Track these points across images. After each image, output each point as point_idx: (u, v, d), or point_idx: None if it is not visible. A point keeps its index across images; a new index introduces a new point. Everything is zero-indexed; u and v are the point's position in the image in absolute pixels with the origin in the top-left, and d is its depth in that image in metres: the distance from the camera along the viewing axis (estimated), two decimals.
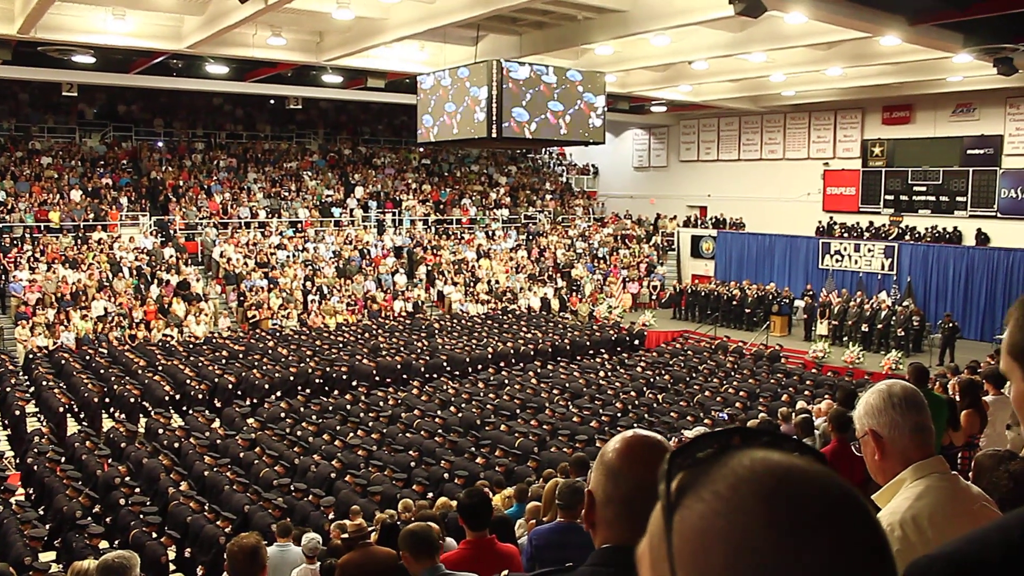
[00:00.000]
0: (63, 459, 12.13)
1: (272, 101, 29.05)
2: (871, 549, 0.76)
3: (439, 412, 14.72)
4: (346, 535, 6.49)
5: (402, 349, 19.51)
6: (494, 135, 17.05)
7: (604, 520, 1.51)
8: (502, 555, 4.50)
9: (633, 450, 1.52)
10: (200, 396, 16.01)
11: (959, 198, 24.50)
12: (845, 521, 0.74)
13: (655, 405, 15.28)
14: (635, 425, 13.30)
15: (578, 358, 20.14)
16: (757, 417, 11.98)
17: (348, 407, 15.33)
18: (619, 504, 1.48)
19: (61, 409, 14.68)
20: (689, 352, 20.47)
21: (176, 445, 12.99)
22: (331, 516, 9.57)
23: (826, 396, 13.67)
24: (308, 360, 18.17)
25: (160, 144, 28.72)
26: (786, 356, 19.96)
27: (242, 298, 22.63)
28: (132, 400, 15.32)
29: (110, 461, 11.92)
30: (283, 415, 14.75)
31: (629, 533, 1.48)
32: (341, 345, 19.85)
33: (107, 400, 15.88)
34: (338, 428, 13.75)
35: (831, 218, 27.21)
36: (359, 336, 20.88)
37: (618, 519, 1.48)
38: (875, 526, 0.77)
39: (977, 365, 11.81)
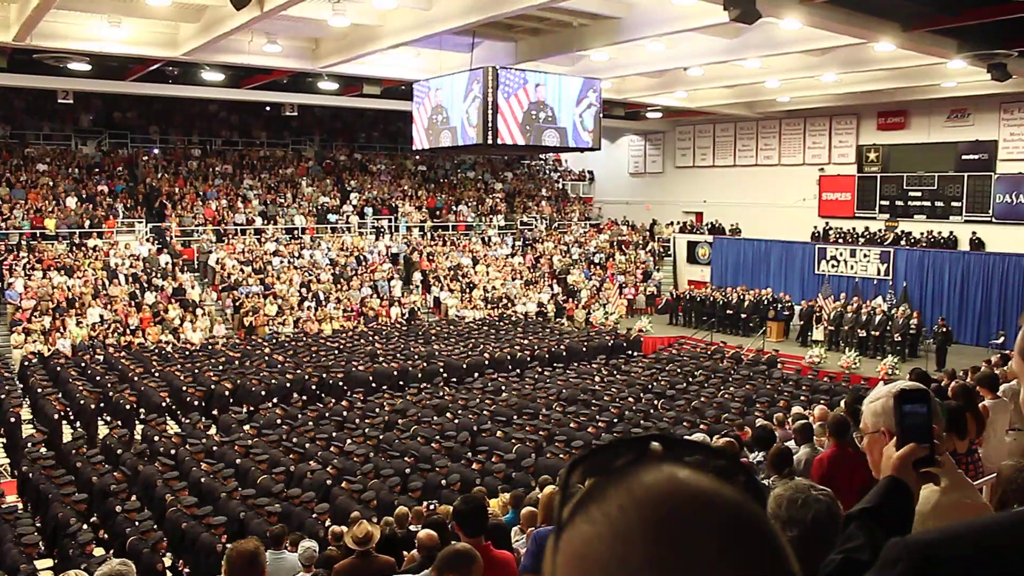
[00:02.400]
0: (58, 466, 12.10)
1: (268, 108, 29.06)
2: None
3: (435, 418, 14.68)
4: (351, 541, 6.46)
5: (398, 355, 19.49)
6: (489, 141, 17.10)
7: None
8: (498, 562, 4.49)
9: None
10: (196, 403, 15.97)
11: (954, 203, 24.59)
12: (741, 563, 0.67)
13: (651, 411, 15.27)
14: (631, 431, 13.30)
15: (574, 364, 20.12)
16: (754, 423, 11.98)
17: (344, 413, 15.30)
18: None
19: (56, 416, 14.64)
20: (685, 358, 20.46)
21: (172, 452, 12.95)
22: (327, 523, 9.55)
23: (821, 400, 13.68)
24: (304, 366, 18.15)
25: (156, 151, 28.69)
26: (782, 361, 19.96)
27: (238, 304, 22.60)
28: (128, 407, 15.27)
29: (105, 468, 11.88)
30: (279, 422, 14.72)
31: None
32: (337, 351, 19.83)
33: (103, 407, 15.83)
34: (334, 435, 13.70)
35: (827, 223, 27.27)
36: (355, 342, 20.85)
37: None
38: (780, 565, 0.70)
39: (977, 370, 11.81)
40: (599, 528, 0.68)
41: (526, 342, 21.34)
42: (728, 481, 0.71)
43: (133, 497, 10.60)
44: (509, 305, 26.07)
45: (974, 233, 23.77)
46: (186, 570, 9.48)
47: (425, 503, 9.59)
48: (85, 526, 9.71)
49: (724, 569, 0.65)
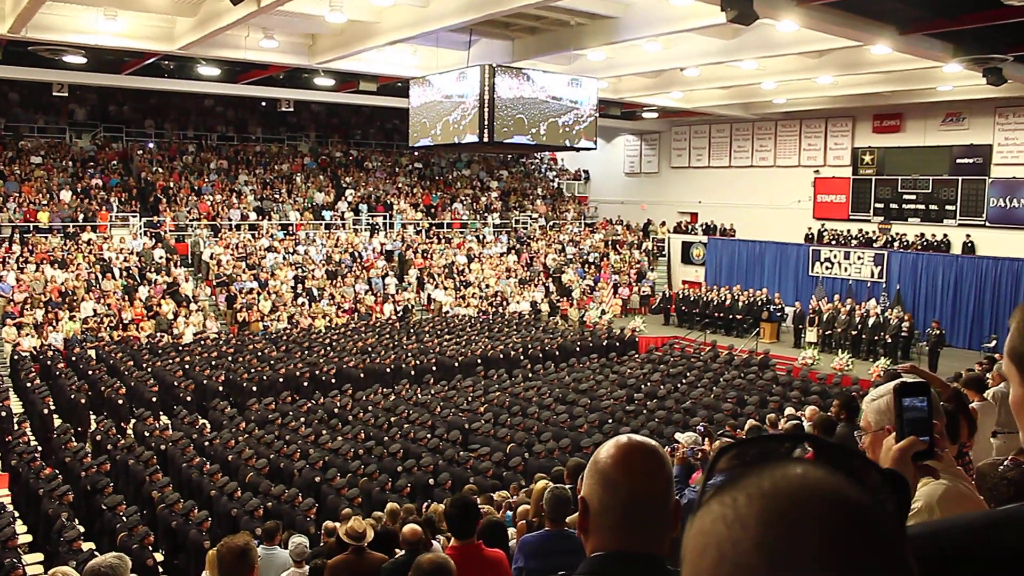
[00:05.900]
0: (48, 461, 12.06)
1: (264, 103, 28.98)
2: None
3: (427, 415, 14.69)
4: (345, 537, 6.44)
5: (390, 352, 19.47)
6: (485, 139, 17.08)
7: (598, 528, 1.49)
8: (488, 560, 4.48)
9: (629, 458, 1.51)
10: (187, 398, 15.94)
11: (948, 207, 24.65)
12: (844, 558, 0.70)
13: (644, 411, 15.29)
14: (621, 430, 13.31)
15: (567, 362, 20.12)
16: (745, 424, 12.00)
17: (335, 410, 15.29)
18: (615, 513, 1.47)
19: (47, 411, 14.59)
20: (678, 357, 20.46)
21: (162, 447, 12.93)
22: (316, 520, 9.55)
23: (811, 398, 13.70)
24: (296, 362, 18.12)
25: (151, 145, 28.59)
26: (774, 363, 19.96)
27: (231, 300, 22.55)
28: (119, 402, 15.24)
29: (96, 464, 11.85)
30: (270, 418, 14.71)
31: (623, 541, 1.47)
32: (329, 347, 19.80)
33: (94, 401, 15.78)
34: (324, 431, 13.71)
35: (822, 225, 27.33)
36: (347, 338, 20.82)
37: (613, 527, 1.48)
38: (890, 562, 0.73)
39: (970, 371, 11.82)
40: (725, 511, 0.74)
41: (519, 340, 21.33)
42: (857, 481, 0.77)
43: (122, 494, 10.58)
44: (503, 303, 26.07)
45: (968, 236, 23.83)
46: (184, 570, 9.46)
47: (420, 502, 9.59)
48: (76, 520, 9.69)
49: (826, 560, 0.70)
